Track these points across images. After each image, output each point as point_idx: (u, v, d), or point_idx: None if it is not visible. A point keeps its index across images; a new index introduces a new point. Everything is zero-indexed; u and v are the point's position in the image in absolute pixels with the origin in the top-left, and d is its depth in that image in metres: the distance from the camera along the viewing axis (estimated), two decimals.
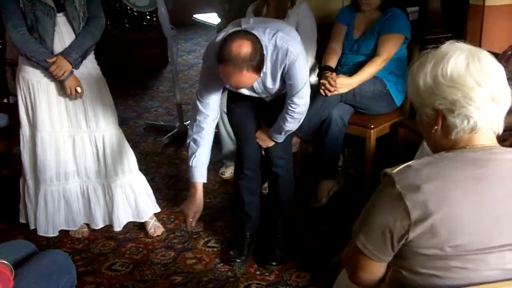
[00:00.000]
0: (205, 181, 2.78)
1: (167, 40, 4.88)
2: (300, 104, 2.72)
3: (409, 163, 1.45)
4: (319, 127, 3.48)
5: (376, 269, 1.52)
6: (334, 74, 3.38)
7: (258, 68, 2.41)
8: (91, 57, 3.18)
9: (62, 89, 3.06)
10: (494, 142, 1.47)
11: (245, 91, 2.78)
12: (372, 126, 3.48)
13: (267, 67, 2.60)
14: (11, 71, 4.03)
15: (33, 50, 2.96)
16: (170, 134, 4.84)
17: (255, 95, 2.83)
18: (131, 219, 3.32)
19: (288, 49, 2.54)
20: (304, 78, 2.66)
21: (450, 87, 1.41)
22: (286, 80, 2.66)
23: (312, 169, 3.78)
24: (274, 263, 3.01)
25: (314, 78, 3.70)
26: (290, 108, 2.73)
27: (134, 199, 3.28)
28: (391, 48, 3.41)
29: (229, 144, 4.00)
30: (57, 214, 3.25)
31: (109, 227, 3.35)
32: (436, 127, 1.47)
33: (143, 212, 3.31)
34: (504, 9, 3.90)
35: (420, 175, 1.39)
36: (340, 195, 3.69)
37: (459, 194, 1.37)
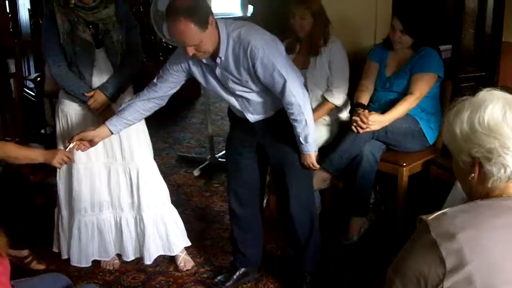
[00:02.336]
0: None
1: None
2: (294, 102, 2.65)
3: (445, 210, 1.44)
4: (351, 163, 3.48)
5: None
6: (366, 111, 3.40)
7: (200, 22, 2.43)
8: (129, 90, 3.24)
9: (99, 122, 3.06)
10: None
11: (215, 84, 2.76)
12: (404, 164, 3.47)
13: (229, 54, 2.60)
14: (49, 103, 4.13)
15: (71, 84, 3.04)
16: (201, 166, 4.88)
17: (224, 91, 2.78)
18: (162, 253, 3.34)
19: (250, 42, 2.55)
20: (279, 70, 2.59)
21: (487, 136, 1.41)
22: (262, 78, 2.62)
23: (342, 205, 3.77)
24: None
25: (346, 115, 3.73)
26: (288, 111, 2.69)
27: (166, 232, 3.29)
28: (424, 86, 3.41)
29: None
30: (90, 244, 3.28)
31: (139, 260, 3.37)
32: (472, 174, 1.47)
33: (174, 245, 3.32)
34: None
35: (455, 223, 1.39)
36: (371, 232, 3.67)
37: (495, 243, 1.36)
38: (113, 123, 2.82)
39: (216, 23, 2.52)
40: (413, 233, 1.48)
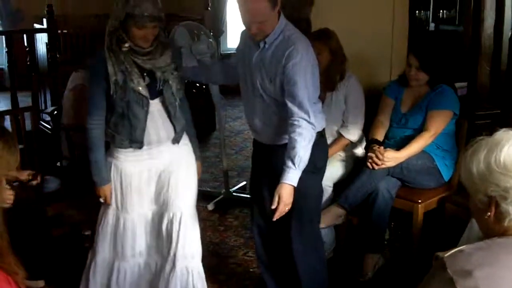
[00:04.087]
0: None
1: (215, 107, 4.98)
2: (303, 119, 2.62)
3: (461, 247, 1.45)
4: (366, 200, 3.48)
5: None
6: (381, 147, 3.41)
7: (272, 1, 2.55)
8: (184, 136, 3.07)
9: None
10: None
11: (245, 72, 2.83)
12: (420, 201, 3.46)
13: (273, 45, 2.68)
14: (65, 135, 4.17)
15: (98, 159, 2.90)
16: (215, 200, 4.88)
17: (249, 82, 2.82)
18: None
19: (295, 44, 2.62)
20: (302, 86, 2.62)
21: (503, 175, 1.43)
22: (284, 85, 2.65)
23: (357, 241, 3.75)
24: None
25: (361, 151, 3.74)
26: (293, 125, 2.63)
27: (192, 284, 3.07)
28: (439, 124, 3.42)
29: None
30: None
31: None
32: (489, 213, 1.48)
33: None
34: None
35: (472, 261, 1.39)
36: (386, 269, 3.63)
37: (510, 282, 1.36)
38: None
39: (280, 12, 2.65)
40: (429, 270, 1.48)
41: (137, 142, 2.85)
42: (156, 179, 2.99)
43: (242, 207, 4.69)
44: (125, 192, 2.97)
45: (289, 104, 2.66)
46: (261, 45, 2.70)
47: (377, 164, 3.34)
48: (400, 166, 3.40)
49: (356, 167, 3.64)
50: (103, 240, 3.06)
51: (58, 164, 4.35)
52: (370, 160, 3.36)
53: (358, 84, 3.68)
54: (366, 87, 3.79)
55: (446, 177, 3.56)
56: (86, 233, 4.04)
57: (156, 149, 2.92)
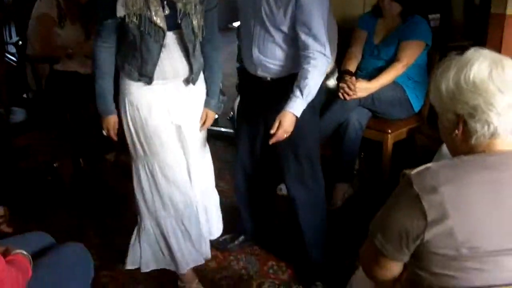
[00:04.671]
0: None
1: None
2: (319, 51, 2.52)
3: (428, 164, 1.46)
4: (337, 130, 3.49)
5: (393, 267, 1.55)
6: (353, 78, 3.40)
7: None
8: (201, 76, 2.77)
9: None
10: None
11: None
12: (390, 131, 3.48)
13: None
14: (31, 67, 4.07)
15: (104, 86, 2.62)
16: None
17: (252, 11, 2.65)
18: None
19: None
20: (319, 17, 2.51)
21: (472, 93, 1.42)
22: (297, 15, 2.51)
23: (328, 172, 3.77)
24: (318, 283, 2.90)
25: (333, 82, 3.72)
26: (308, 57, 2.53)
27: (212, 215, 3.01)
28: (411, 54, 3.41)
29: None
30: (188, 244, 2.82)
31: None
32: (456, 131, 1.48)
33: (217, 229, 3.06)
34: None
35: (438, 177, 1.40)
36: (355, 198, 3.69)
37: (476, 197, 1.38)
38: None
39: None
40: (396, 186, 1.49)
41: (146, 77, 2.55)
42: (175, 117, 2.66)
43: (215, 140, 4.67)
44: (148, 131, 2.62)
45: (303, 36, 2.53)
46: None
47: (348, 95, 3.34)
48: (371, 96, 3.40)
49: (328, 98, 3.62)
50: (143, 200, 2.74)
51: (24, 95, 4.25)
52: (341, 91, 3.36)
53: (331, 15, 3.62)
54: (339, 19, 3.73)
55: (416, 108, 3.58)
56: (55, 165, 4.02)
57: (172, 84, 2.62)
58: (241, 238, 3.24)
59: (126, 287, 2.94)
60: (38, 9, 3.98)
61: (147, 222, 2.76)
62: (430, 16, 3.75)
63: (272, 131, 2.55)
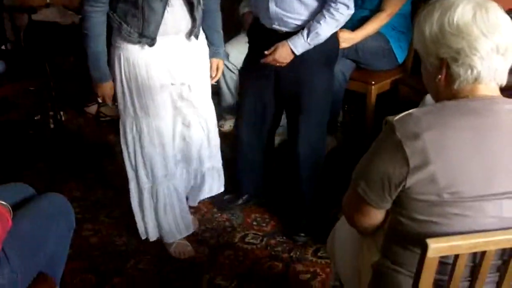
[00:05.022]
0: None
1: None
2: (343, 3, 2.48)
3: (411, 111, 1.45)
4: None
5: (375, 214, 1.55)
6: None
7: None
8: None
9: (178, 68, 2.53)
10: (496, 92, 1.47)
11: None
12: (373, 82, 3.46)
13: None
14: (9, 17, 3.99)
15: (99, 50, 2.43)
16: None
17: None
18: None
19: None
20: None
21: (455, 36, 1.40)
22: None
23: None
24: (302, 234, 2.90)
25: None
26: (331, 6, 2.49)
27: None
28: (395, 3, 3.36)
29: (228, 97, 3.98)
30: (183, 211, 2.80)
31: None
32: (439, 76, 1.46)
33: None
34: None
35: (421, 123, 1.39)
36: (338, 151, 3.69)
37: (459, 142, 1.37)
38: None
39: None
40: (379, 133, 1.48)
41: (148, 38, 2.38)
42: (176, 76, 2.53)
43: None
44: (143, 91, 2.48)
45: None
46: None
47: None
48: (355, 47, 3.36)
49: None
50: (128, 162, 2.66)
51: (3, 47, 4.17)
52: None
53: None
54: None
55: (400, 59, 3.55)
56: (36, 118, 3.98)
57: (173, 39, 2.46)
58: (245, 197, 3.17)
59: (108, 239, 2.93)
60: None
61: (132, 185, 2.69)
62: None
63: (266, 52, 2.61)
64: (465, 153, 1.37)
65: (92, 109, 4.22)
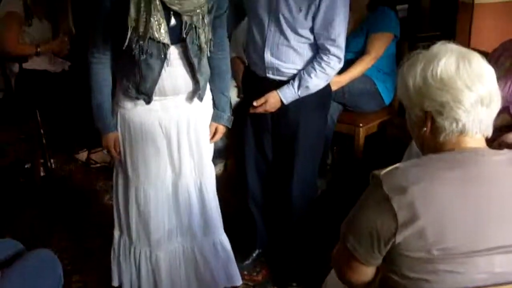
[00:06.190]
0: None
1: None
2: (336, 56, 2.52)
3: (397, 165, 1.44)
4: None
5: (365, 271, 1.52)
6: None
7: None
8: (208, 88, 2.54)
9: (172, 131, 2.45)
10: (482, 144, 1.47)
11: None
12: (361, 124, 3.49)
13: None
14: (0, 66, 4.00)
15: (102, 101, 2.39)
16: None
17: (266, 8, 2.56)
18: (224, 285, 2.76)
19: None
20: (341, 21, 2.47)
21: (439, 89, 1.41)
22: (317, 18, 2.46)
23: None
24: (294, 284, 2.87)
25: None
26: (322, 60, 2.53)
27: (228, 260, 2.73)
28: (380, 46, 3.41)
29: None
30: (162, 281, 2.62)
31: None
32: (425, 128, 1.47)
33: (236, 275, 2.76)
34: (493, 7, 3.91)
35: (407, 177, 1.39)
36: (328, 192, 3.68)
37: (446, 196, 1.37)
38: None
39: None
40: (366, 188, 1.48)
41: (145, 95, 2.32)
42: (173, 139, 2.45)
43: None
44: (136, 150, 2.43)
45: (322, 40, 2.52)
46: None
47: None
48: (341, 90, 3.39)
49: None
50: (117, 218, 2.61)
51: None
52: None
53: None
54: None
55: (387, 101, 3.58)
56: (26, 166, 3.96)
57: (172, 100, 2.39)
58: (256, 252, 3.06)
59: None
60: (4, 7, 3.92)
61: (126, 240, 2.60)
62: (398, 7, 3.77)
63: (255, 104, 2.64)
64: (453, 206, 1.36)
65: (83, 156, 4.21)
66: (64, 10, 4.18)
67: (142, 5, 2.11)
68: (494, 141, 2.46)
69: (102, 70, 2.35)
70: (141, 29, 2.13)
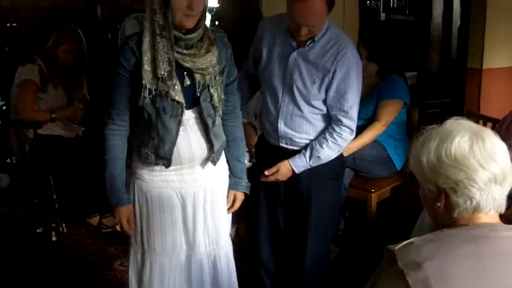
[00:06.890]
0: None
1: None
2: (348, 127, 2.57)
3: (412, 240, 1.45)
4: None
5: None
6: None
7: (331, 4, 2.40)
8: (223, 156, 2.53)
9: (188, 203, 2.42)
10: (496, 220, 1.49)
11: (275, 70, 2.61)
12: (373, 190, 3.50)
13: (317, 44, 2.51)
14: (14, 132, 4.07)
15: (116, 173, 2.35)
16: None
17: (279, 81, 2.62)
18: None
19: (347, 48, 2.48)
20: (354, 93, 2.52)
21: (453, 168, 1.43)
22: (331, 90, 2.52)
23: None
24: None
25: None
26: (335, 131, 2.58)
27: None
28: (390, 113, 3.45)
29: None
30: None
31: None
32: (439, 204, 1.48)
33: None
34: (502, 72, 3.97)
35: (421, 253, 1.39)
36: (341, 258, 3.66)
37: (460, 271, 1.37)
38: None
39: None
40: (381, 262, 1.48)
41: (164, 159, 2.31)
42: (189, 210, 2.42)
43: None
44: (152, 224, 2.41)
45: (335, 111, 2.57)
46: (308, 44, 2.51)
47: None
48: (352, 156, 3.41)
49: None
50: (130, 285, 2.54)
51: (8, 160, 4.23)
52: None
53: None
54: None
55: (398, 166, 3.60)
56: (38, 230, 3.97)
57: (188, 170, 2.39)
58: None
59: None
60: (21, 75, 4.03)
61: None
62: (407, 74, 3.82)
63: (266, 173, 2.65)
64: (466, 282, 1.36)
65: (94, 220, 4.22)
66: (79, 77, 4.28)
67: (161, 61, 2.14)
68: (508, 209, 2.45)
69: (117, 142, 2.33)
70: (156, 86, 2.17)
